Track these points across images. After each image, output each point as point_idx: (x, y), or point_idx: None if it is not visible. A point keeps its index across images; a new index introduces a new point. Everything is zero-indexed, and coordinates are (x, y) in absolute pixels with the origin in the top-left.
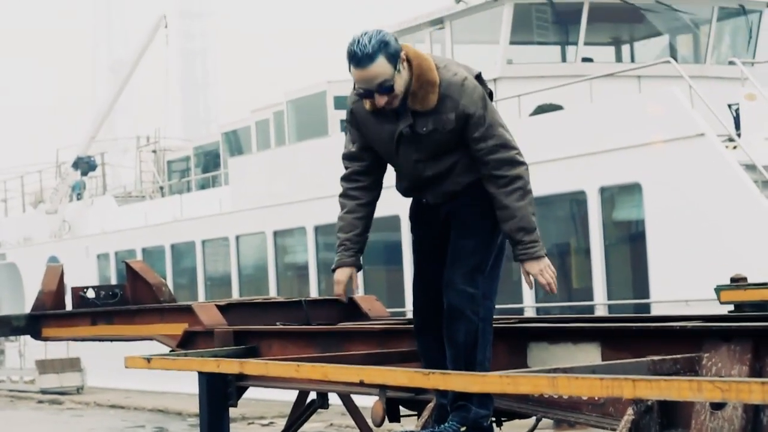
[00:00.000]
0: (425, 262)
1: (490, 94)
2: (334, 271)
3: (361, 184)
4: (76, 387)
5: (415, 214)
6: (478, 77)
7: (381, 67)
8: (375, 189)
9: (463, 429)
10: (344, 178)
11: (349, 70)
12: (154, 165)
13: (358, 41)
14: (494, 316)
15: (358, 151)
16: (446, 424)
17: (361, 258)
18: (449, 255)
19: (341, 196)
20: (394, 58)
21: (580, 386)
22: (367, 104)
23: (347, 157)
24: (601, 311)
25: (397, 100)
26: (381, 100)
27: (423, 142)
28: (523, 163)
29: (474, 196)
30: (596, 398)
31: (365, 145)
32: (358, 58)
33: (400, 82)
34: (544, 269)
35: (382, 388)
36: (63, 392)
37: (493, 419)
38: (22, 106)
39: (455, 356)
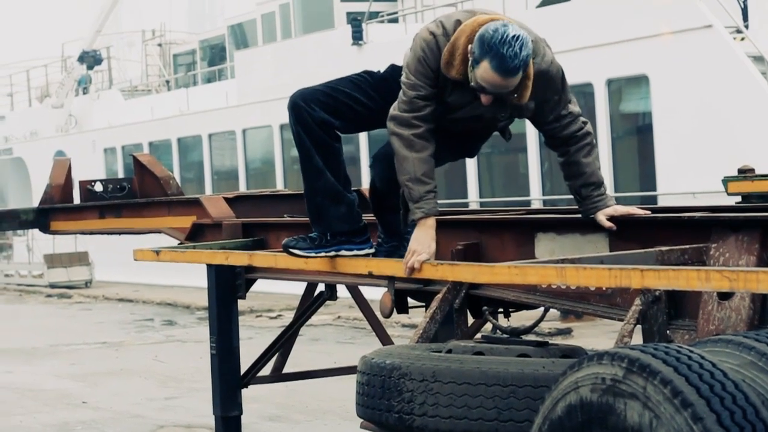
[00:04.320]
0: None
1: None
2: (420, 218)
3: (434, 127)
4: (84, 281)
5: None
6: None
7: (517, 80)
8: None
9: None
10: (423, 119)
11: (477, 61)
12: (159, 59)
13: (510, 45)
14: (502, 208)
15: (437, 92)
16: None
17: None
18: None
19: (419, 137)
20: (526, 70)
21: (589, 276)
22: (452, 71)
23: (426, 97)
24: None
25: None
26: (489, 101)
27: (491, 124)
28: (586, 122)
29: None
30: (604, 288)
31: (437, 90)
32: (505, 66)
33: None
34: (625, 212)
35: (390, 280)
36: (71, 286)
37: (501, 310)
38: None
39: None
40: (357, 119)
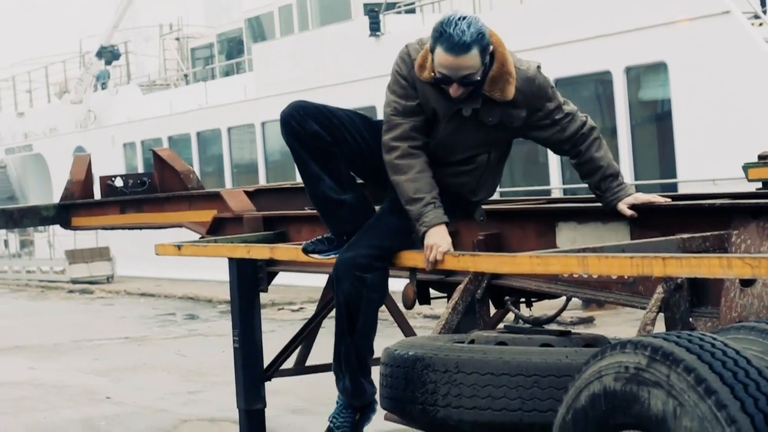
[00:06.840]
0: None
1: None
2: (425, 232)
3: (420, 143)
4: (105, 276)
5: None
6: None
7: (473, 59)
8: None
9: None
10: (401, 138)
11: (432, 50)
12: (177, 53)
13: (455, 25)
14: (522, 198)
15: (415, 106)
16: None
17: None
18: None
19: (401, 157)
20: (485, 51)
21: (611, 265)
22: (425, 73)
23: (402, 113)
24: None
25: (468, 91)
26: (458, 92)
27: (475, 132)
28: (587, 116)
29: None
30: (626, 277)
31: (419, 101)
32: (453, 43)
33: (480, 73)
34: (645, 200)
35: (412, 271)
36: (93, 282)
37: (522, 300)
38: None
39: None
40: (346, 146)
